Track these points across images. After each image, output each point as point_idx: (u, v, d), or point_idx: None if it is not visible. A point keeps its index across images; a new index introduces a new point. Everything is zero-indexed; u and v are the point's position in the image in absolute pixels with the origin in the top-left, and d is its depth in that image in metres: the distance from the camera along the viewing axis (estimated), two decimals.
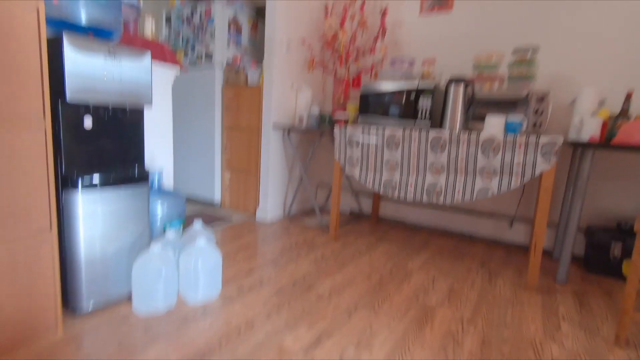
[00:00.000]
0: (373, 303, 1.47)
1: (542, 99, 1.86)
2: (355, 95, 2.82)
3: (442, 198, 1.84)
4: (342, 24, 2.58)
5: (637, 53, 1.94)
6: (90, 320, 1.24)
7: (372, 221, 2.80)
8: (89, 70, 1.17)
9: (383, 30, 2.53)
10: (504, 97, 1.97)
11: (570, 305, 1.56)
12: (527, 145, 1.61)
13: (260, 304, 1.42)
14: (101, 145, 1.27)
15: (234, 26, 2.87)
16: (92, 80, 1.18)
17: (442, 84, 2.08)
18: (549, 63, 2.13)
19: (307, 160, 2.75)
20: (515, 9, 2.23)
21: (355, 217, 2.90)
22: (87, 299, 1.25)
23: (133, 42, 1.57)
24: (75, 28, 1.21)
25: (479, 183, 1.74)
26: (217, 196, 2.93)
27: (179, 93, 2.99)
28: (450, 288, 1.66)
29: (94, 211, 1.24)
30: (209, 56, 2.80)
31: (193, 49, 2.90)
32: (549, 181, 1.59)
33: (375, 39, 2.58)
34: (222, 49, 2.79)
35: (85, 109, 1.20)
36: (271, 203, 2.66)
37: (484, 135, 1.72)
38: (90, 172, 1.23)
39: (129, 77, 1.29)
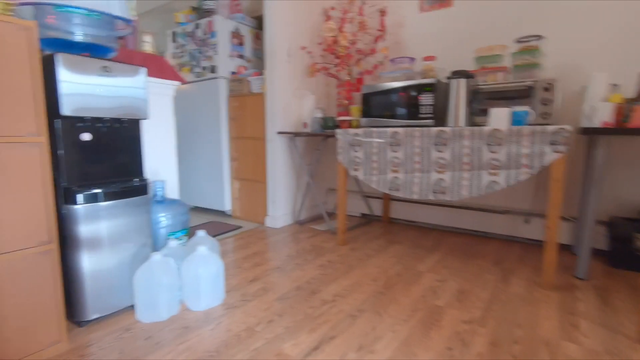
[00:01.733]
0: (378, 306, 1.43)
1: (549, 87, 1.78)
2: (359, 97, 2.80)
3: (448, 195, 1.79)
4: (341, 27, 2.58)
5: None
6: (94, 331, 1.26)
7: (383, 223, 2.75)
8: (84, 87, 1.21)
9: (383, 30, 2.51)
10: (508, 88, 1.90)
11: (591, 302, 1.47)
12: (533, 135, 1.54)
13: (261, 310, 1.41)
14: (100, 159, 1.31)
15: (236, 38, 2.92)
16: (88, 97, 1.22)
17: (444, 80, 2.04)
18: (554, 53, 2.04)
19: (314, 165, 2.74)
20: (516, 1, 2.17)
21: (366, 220, 2.86)
22: (90, 310, 1.28)
23: (131, 57, 1.61)
24: (71, 46, 1.26)
25: (486, 177, 1.68)
26: (227, 206, 2.96)
27: (185, 106, 3.06)
28: (461, 288, 1.59)
29: (96, 224, 1.27)
30: (213, 69, 2.86)
31: (198, 63, 2.96)
32: (559, 172, 1.51)
33: (376, 40, 2.56)
34: (226, 61, 2.85)
35: (83, 124, 1.24)
36: (280, 210, 2.66)
37: (488, 128, 1.66)
38: (91, 186, 1.26)
39: (124, 93, 1.33)
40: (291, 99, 2.67)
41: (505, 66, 1.98)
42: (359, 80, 2.76)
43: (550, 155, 1.52)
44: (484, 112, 1.98)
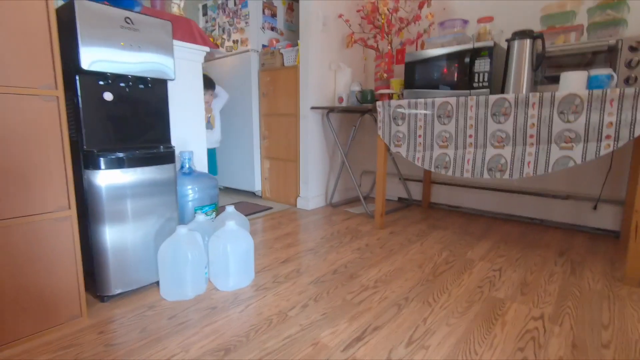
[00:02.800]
0: (427, 295, 1.25)
1: (637, 46, 1.49)
2: (399, 71, 2.57)
3: (507, 173, 1.55)
4: None
5: None
6: (117, 307, 1.17)
7: (423, 208, 2.54)
8: (105, 40, 1.09)
9: None
10: (584, 49, 1.62)
11: None
12: (621, 100, 1.28)
13: (295, 293, 1.27)
14: (123, 121, 1.20)
15: (269, 10, 2.76)
16: (109, 50, 1.10)
17: (503, 44, 1.78)
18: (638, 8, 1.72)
19: (349, 144, 2.56)
20: None
21: (404, 204, 2.65)
22: (113, 285, 1.19)
23: (157, 16, 1.49)
24: None
25: (556, 152, 1.43)
26: (257, 186, 2.85)
27: (216, 81, 2.95)
28: (523, 280, 1.37)
29: (119, 191, 1.17)
30: (244, 42, 2.72)
31: (229, 36, 2.84)
32: None
33: (421, 5, 2.31)
34: (257, 34, 2.70)
35: (104, 79, 1.13)
36: (312, 191, 2.51)
37: (561, 93, 1.40)
38: (113, 150, 1.16)
39: (148, 47, 1.20)
40: (326, 72, 2.49)
41: (581, 24, 1.69)
42: (400, 52, 2.53)
43: None
44: (552, 80, 1.71)
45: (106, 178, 1.13)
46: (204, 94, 1.83)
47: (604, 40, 1.56)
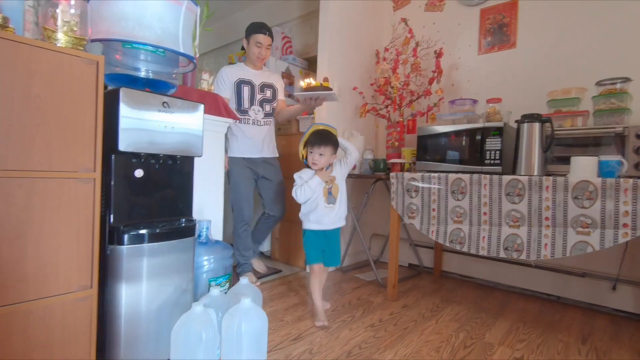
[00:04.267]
0: None
1: None
2: (410, 140, 2.67)
3: (524, 254, 1.55)
4: (394, 68, 2.51)
5: None
6: None
7: (434, 277, 2.49)
8: (144, 123, 1.16)
9: (439, 72, 2.41)
10: (592, 134, 1.69)
11: None
12: (636, 190, 1.31)
13: None
14: (150, 196, 1.24)
15: (287, 79, 2.95)
16: (146, 133, 1.17)
17: (511, 124, 1.86)
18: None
19: (361, 209, 2.58)
20: (594, 38, 2.00)
21: (415, 271, 2.60)
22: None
23: (189, 94, 1.60)
24: (134, 81, 1.24)
25: (573, 236, 1.43)
26: (267, 246, 2.83)
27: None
28: None
29: (138, 267, 1.17)
30: None
31: None
32: None
33: (431, 81, 2.46)
34: None
35: (137, 158, 1.18)
36: None
37: (574, 179, 1.44)
38: (138, 226, 1.18)
39: (181, 129, 1.28)
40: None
41: (586, 110, 1.78)
42: (411, 122, 2.64)
43: None
44: (561, 161, 1.76)
45: (128, 252, 1.15)
46: (316, 153, 1.65)
47: (611, 127, 1.63)
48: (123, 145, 1.12)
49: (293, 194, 1.70)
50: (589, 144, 1.73)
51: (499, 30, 2.37)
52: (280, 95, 2.32)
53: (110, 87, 1.22)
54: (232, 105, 2.13)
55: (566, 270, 2.05)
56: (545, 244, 1.50)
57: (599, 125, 1.70)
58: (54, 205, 0.94)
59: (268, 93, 2.24)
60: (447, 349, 1.46)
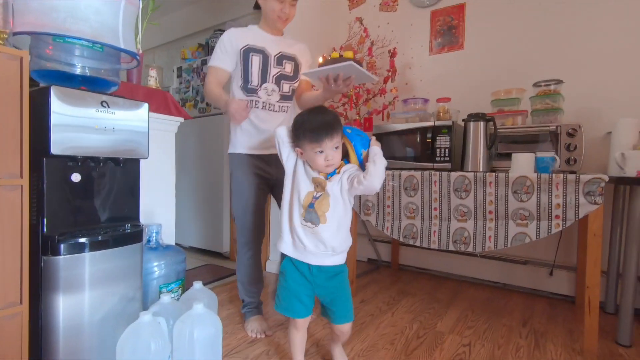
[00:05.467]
0: None
1: (573, 132, 1.69)
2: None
3: (471, 246, 1.63)
4: None
5: None
6: None
7: (392, 270, 2.57)
8: (79, 122, 1.08)
9: (393, 71, 2.47)
10: (529, 132, 1.81)
11: None
12: (565, 184, 1.42)
13: None
14: (90, 202, 1.16)
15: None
16: (82, 134, 1.09)
17: (460, 122, 1.96)
18: (573, 97, 1.97)
19: None
20: (533, 42, 2.15)
21: (374, 265, 2.67)
22: None
23: (134, 92, 1.51)
24: (69, 78, 1.15)
25: (513, 228, 1.54)
26: (226, 247, 2.77)
27: (187, 142, 2.95)
28: (491, 356, 1.40)
29: (79, 277, 1.09)
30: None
31: (203, 98, 2.90)
32: (597, 224, 1.38)
33: (386, 80, 2.52)
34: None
35: (73, 161, 1.10)
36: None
37: (514, 174, 1.54)
38: (77, 234, 1.10)
39: (124, 129, 1.21)
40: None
41: (525, 110, 1.91)
42: (368, 120, 2.69)
43: (587, 207, 1.39)
44: (503, 157, 1.88)
45: (65, 263, 1.07)
46: (329, 148, 1.06)
47: (546, 125, 1.77)
48: (56, 149, 1.03)
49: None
50: (528, 141, 1.85)
51: (448, 32, 2.47)
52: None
53: (41, 85, 1.13)
54: (236, 82, 1.55)
55: (510, 259, 2.20)
56: (490, 236, 1.59)
57: (536, 124, 1.83)
58: None
59: (288, 67, 1.58)
60: (401, 341, 1.51)
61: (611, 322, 1.69)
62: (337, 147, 1.08)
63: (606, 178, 1.35)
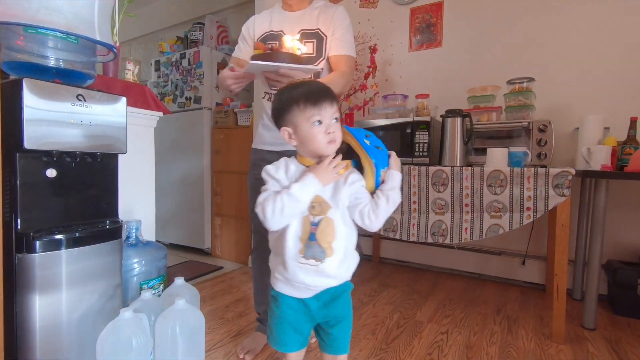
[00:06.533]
0: None
1: (544, 128, 1.77)
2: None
3: (448, 238, 1.69)
4: None
5: (637, 78, 1.88)
6: None
7: (373, 263, 2.62)
8: (53, 116, 1.06)
9: (374, 67, 2.51)
10: (503, 127, 1.88)
11: (605, 356, 1.36)
12: (536, 178, 1.49)
13: None
14: (67, 198, 1.13)
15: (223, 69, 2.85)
16: (57, 128, 1.07)
17: (438, 118, 2.01)
18: (545, 94, 2.06)
19: None
20: (507, 40, 2.22)
21: None
22: None
23: (111, 85, 1.48)
24: (43, 71, 1.11)
25: (488, 220, 1.60)
26: (207, 243, 2.75)
27: (167, 137, 2.90)
28: (467, 343, 1.46)
29: (55, 275, 1.07)
30: (197, 100, 2.75)
31: (182, 93, 2.85)
32: (565, 216, 1.45)
33: (366, 76, 2.55)
34: (211, 92, 2.75)
35: (48, 156, 1.07)
36: None
37: (488, 168, 1.60)
38: (53, 231, 1.08)
39: (100, 124, 1.18)
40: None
41: (499, 106, 1.98)
42: (349, 116, 2.71)
43: (555, 199, 1.46)
44: (479, 152, 1.95)
45: (42, 261, 1.04)
46: (327, 117, 0.82)
47: (519, 121, 1.84)
48: (29, 143, 1.00)
49: (258, 210, 0.83)
50: (502, 136, 1.93)
51: (427, 29, 2.51)
52: (336, 48, 1.32)
53: (12, 77, 1.09)
54: (258, 76, 1.28)
55: (486, 250, 2.29)
56: (466, 228, 1.65)
57: (510, 120, 1.91)
58: None
59: (308, 49, 1.31)
60: (382, 331, 1.55)
61: (578, 308, 1.80)
62: (336, 119, 0.84)
63: (573, 171, 1.43)
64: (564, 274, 1.46)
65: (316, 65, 1.31)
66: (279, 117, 0.87)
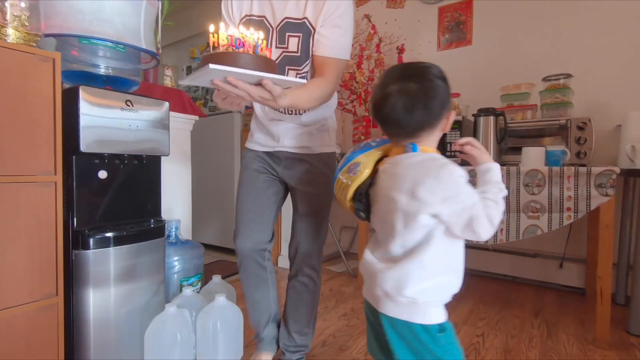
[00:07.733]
0: None
1: (583, 126, 1.71)
2: (376, 134, 2.75)
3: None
4: (359, 64, 2.57)
5: None
6: None
7: None
8: (105, 121, 1.12)
9: None
10: (539, 126, 1.83)
11: None
12: (576, 177, 1.45)
13: None
14: (116, 198, 1.20)
15: None
16: (108, 132, 1.13)
17: (469, 117, 1.98)
18: (582, 91, 1.99)
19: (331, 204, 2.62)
20: (541, 36, 2.16)
21: None
22: None
23: (152, 91, 1.55)
24: (94, 78, 1.19)
25: (525, 221, 1.56)
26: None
27: (199, 140, 2.99)
28: (505, 346, 1.43)
29: (106, 271, 1.13)
30: None
31: (212, 97, 2.94)
32: (609, 216, 1.40)
33: None
34: None
35: (100, 159, 1.14)
36: None
37: (525, 168, 1.57)
38: (104, 229, 1.14)
39: (146, 128, 1.24)
40: None
41: (535, 104, 1.92)
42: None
43: (598, 199, 1.41)
44: (514, 151, 1.90)
45: (94, 257, 1.11)
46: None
47: (556, 119, 1.79)
48: (85, 146, 1.07)
49: (484, 221, 0.67)
50: (537, 135, 1.87)
51: (456, 28, 2.48)
52: (322, 48, 1.04)
53: (67, 85, 1.16)
54: None
55: (520, 252, 2.22)
56: (502, 229, 1.62)
57: (546, 118, 1.85)
58: (11, 212, 0.89)
59: (292, 44, 1.07)
60: None
61: (621, 313, 1.72)
62: None
63: (618, 170, 1.37)
64: (608, 277, 1.40)
65: (302, 69, 1.08)
66: (449, 102, 0.77)
